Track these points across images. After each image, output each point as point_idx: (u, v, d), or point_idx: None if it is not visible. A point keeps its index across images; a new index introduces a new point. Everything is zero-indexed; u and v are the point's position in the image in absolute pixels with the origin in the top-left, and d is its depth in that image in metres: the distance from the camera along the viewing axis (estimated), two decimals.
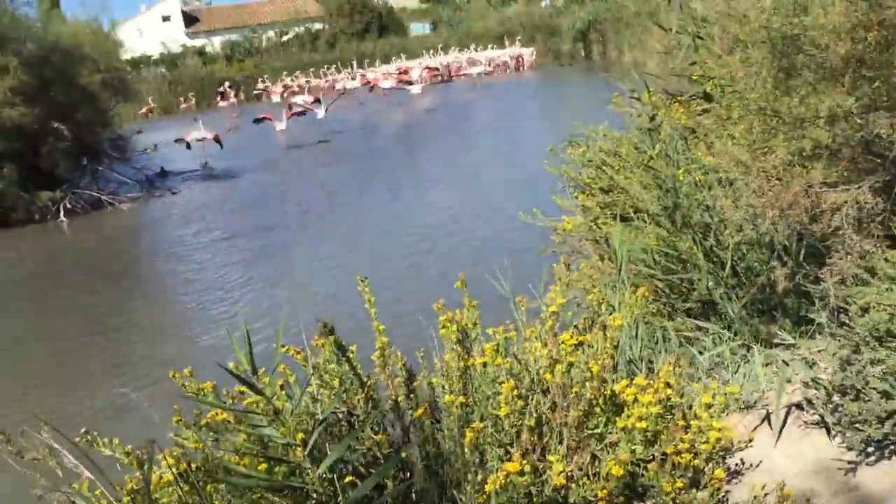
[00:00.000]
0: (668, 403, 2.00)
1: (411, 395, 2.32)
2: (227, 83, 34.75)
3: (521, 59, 32.88)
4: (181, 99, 31.81)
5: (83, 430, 2.31)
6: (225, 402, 1.90)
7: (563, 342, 1.93)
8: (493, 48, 34.42)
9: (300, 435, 1.68)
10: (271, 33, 50.41)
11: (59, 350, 7.12)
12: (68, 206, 13.73)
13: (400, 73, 30.59)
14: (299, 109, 20.59)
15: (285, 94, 30.34)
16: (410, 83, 27.23)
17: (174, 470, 1.65)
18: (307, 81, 32.32)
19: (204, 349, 6.36)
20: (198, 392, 1.89)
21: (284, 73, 36.46)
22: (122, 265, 10.49)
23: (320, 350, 2.23)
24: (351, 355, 2.08)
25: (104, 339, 7.21)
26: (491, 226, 8.77)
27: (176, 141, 17.46)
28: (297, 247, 9.48)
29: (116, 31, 18.19)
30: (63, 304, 8.57)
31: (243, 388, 2.12)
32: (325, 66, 37.02)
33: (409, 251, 8.30)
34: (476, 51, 33.96)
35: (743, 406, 2.65)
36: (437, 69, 32.13)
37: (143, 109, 31.28)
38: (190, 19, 60.91)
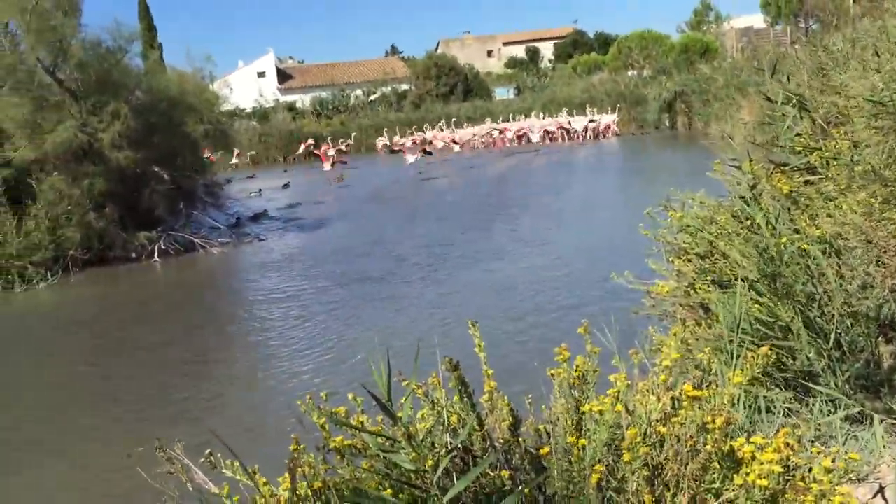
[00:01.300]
0: (788, 463, 2.00)
1: (518, 439, 2.36)
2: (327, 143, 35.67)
3: (608, 126, 33.25)
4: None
5: (207, 452, 2.43)
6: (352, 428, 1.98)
7: (683, 392, 1.96)
8: (574, 114, 34.78)
9: (430, 462, 1.74)
10: (359, 92, 51.93)
11: (151, 384, 7.36)
12: (162, 246, 14.31)
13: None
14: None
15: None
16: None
17: (311, 486, 1.73)
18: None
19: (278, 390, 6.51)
20: (331, 415, 1.98)
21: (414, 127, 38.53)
22: (208, 307, 10.83)
23: (435, 388, 2.31)
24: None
25: (188, 376, 7.45)
26: (579, 286, 8.81)
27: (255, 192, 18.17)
28: (391, 296, 9.61)
29: (216, 85, 19.15)
30: (150, 340, 8.89)
31: (361, 419, 2.22)
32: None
33: (499, 308, 8.36)
34: (571, 115, 34.58)
35: (855, 478, 2.61)
36: (554, 131, 33.53)
37: (234, 160, 32.77)
38: (283, 76, 63.41)
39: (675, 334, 2.44)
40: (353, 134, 39.66)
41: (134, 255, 14.15)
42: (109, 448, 5.86)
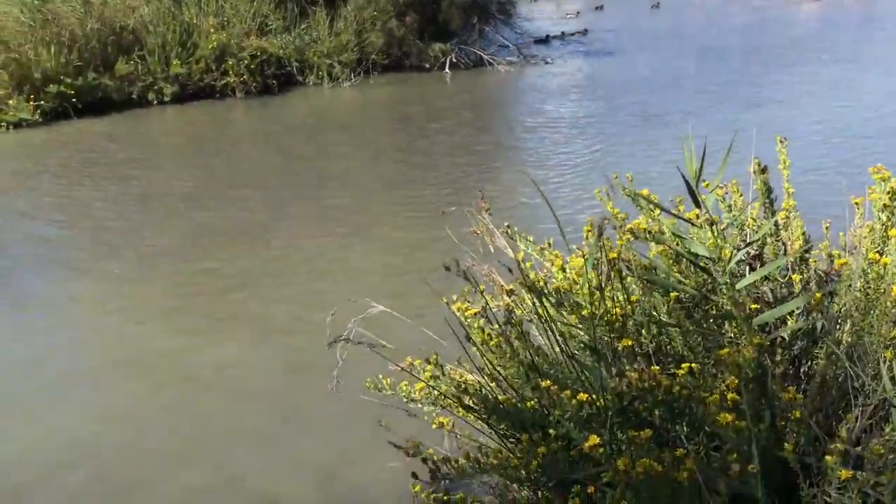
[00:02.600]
0: None
1: (809, 259, 2.35)
2: None
3: None
4: None
5: (506, 224, 2.67)
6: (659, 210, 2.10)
7: None
8: None
9: (726, 251, 1.82)
10: None
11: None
12: (454, 60, 14.80)
13: None
14: None
15: None
16: None
17: (607, 256, 1.89)
18: None
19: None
20: (633, 197, 2.11)
21: None
22: (486, 118, 11.32)
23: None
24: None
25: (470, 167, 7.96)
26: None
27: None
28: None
29: None
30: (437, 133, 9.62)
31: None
32: None
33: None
34: None
35: None
36: None
37: None
38: None
39: None
40: None
41: (427, 65, 14.78)
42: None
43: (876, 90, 11.36)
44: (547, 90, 12.79)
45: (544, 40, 17.80)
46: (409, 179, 8.04)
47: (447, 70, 14.64)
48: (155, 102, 11.58)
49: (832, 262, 2.38)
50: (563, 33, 18.69)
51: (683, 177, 1.82)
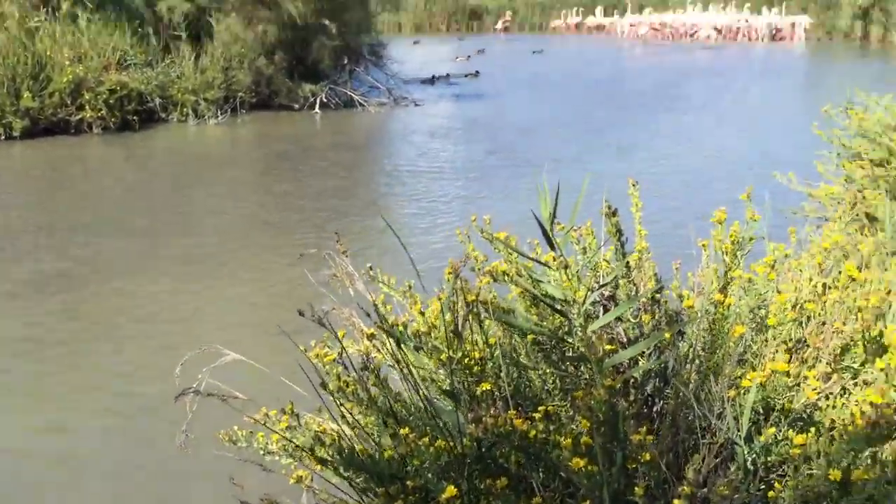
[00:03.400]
0: None
1: (660, 300, 2.42)
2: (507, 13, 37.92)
3: (794, 28, 31.06)
4: None
5: (368, 266, 2.63)
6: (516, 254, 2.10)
7: (844, 270, 1.95)
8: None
9: (580, 293, 1.84)
10: None
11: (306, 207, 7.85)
12: (324, 99, 14.77)
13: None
14: None
15: None
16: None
17: (465, 297, 1.87)
18: None
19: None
20: (492, 240, 2.11)
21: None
22: (355, 159, 11.26)
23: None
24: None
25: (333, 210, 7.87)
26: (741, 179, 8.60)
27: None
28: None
29: None
30: (305, 176, 9.45)
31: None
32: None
33: (662, 184, 8.27)
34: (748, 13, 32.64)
35: None
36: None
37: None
38: None
39: (835, 221, 2.38)
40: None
41: (296, 105, 14.68)
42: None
43: (726, 137, 12.08)
44: (419, 132, 12.90)
45: (430, 81, 18.38)
46: (270, 222, 7.84)
47: (317, 110, 14.57)
48: (3, 137, 10.92)
49: (682, 301, 2.46)
50: (447, 74, 19.62)
51: (538, 220, 1.83)
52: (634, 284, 2.21)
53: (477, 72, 20.66)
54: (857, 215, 4.46)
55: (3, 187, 9.24)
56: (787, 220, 4.69)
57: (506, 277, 2.07)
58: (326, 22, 14.80)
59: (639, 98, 16.21)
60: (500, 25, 36.96)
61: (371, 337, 2.21)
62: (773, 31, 31.18)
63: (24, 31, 11.68)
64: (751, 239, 2.27)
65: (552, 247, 1.84)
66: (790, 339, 2.03)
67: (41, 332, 5.13)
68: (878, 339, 2.07)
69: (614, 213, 2.08)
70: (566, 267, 1.81)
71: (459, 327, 1.87)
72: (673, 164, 9.97)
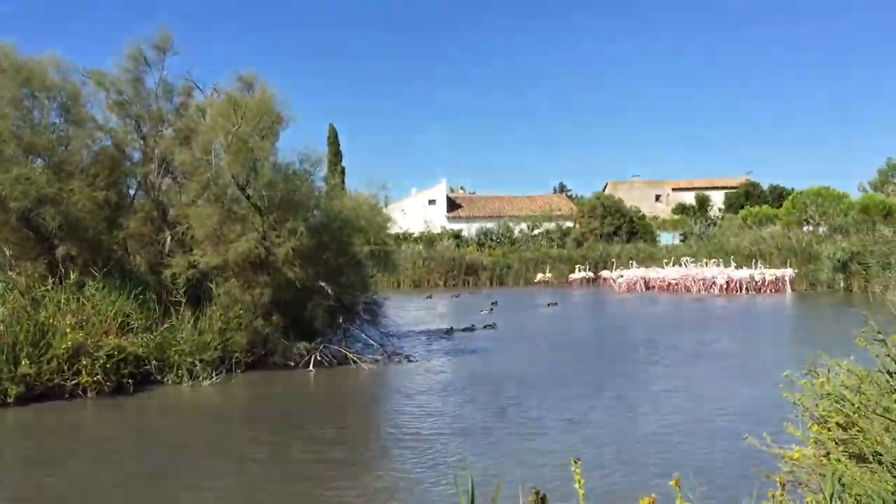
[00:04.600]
0: None
1: None
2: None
3: (778, 280, 32.27)
4: None
5: None
6: None
7: None
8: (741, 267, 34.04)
9: None
10: (524, 226, 53.11)
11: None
12: (318, 358, 15.05)
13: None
14: None
15: None
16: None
17: None
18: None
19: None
20: None
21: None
22: (352, 418, 11.20)
23: None
24: None
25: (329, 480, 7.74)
26: (711, 444, 8.54)
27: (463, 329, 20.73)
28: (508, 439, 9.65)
29: (389, 209, 20.36)
30: (297, 442, 9.33)
31: None
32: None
33: (623, 458, 8.21)
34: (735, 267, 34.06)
35: None
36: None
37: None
38: (452, 205, 66.03)
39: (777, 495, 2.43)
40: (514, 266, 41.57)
41: (292, 363, 14.93)
42: None
43: (710, 390, 12.15)
44: (416, 390, 12.86)
45: (448, 332, 20.20)
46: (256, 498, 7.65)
47: (311, 368, 14.79)
48: None
49: None
50: (473, 326, 21.33)
51: None
52: None
53: (494, 323, 21.91)
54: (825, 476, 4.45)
55: None
56: (766, 483, 4.69)
57: None
58: (322, 284, 15.43)
59: (633, 352, 16.49)
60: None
61: None
62: (759, 284, 32.32)
63: (29, 300, 12.17)
64: None
65: None
66: None
67: None
68: None
69: (543, 500, 2.14)
70: None
71: None
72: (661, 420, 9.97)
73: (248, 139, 14.62)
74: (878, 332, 4.91)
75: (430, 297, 33.95)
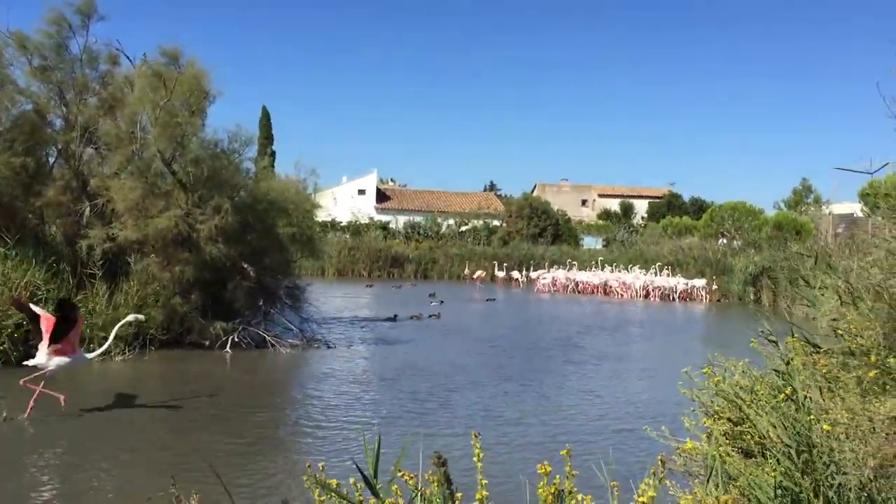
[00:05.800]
0: None
1: None
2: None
3: (695, 292, 33.35)
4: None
5: None
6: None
7: None
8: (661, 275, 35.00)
9: None
10: (452, 221, 53.38)
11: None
12: (236, 339, 14.92)
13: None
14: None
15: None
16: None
17: None
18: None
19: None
20: (323, 485, 2.25)
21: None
22: (264, 401, 11.18)
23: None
24: (459, 495, 2.38)
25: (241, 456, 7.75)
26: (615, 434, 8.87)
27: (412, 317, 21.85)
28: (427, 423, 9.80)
29: (317, 196, 20.27)
30: (209, 421, 9.28)
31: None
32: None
33: (530, 441, 8.46)
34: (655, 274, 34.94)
35: None
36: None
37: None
38: (382, 196, 65.88)
39: (653, 473, 2.62)
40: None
41: (208, 342, 14.75)
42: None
43: (616, 388, 12.55)
44: (332, 375, 12.93)
45: (392, 318, 21.37)
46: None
47: (227, 349, 14.65)
48: None
49: None
50: (421, 314, 22.48)
51: (360, 471, 2.01)
52: None
53: (439, 314, 22.83)
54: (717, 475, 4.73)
55: None
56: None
57: None
58: (245, 265, 15.30)
59: (546, 350, 16.85)
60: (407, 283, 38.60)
61: None
62: (671, 292, 33.35)
63: None
64: (571, 492, 2.48)
65: (376, 495, 2.01)
66: None
67: None
68: None
69: (443, 464, 2.27)
70: None
71: None
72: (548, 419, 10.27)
73: (176, 113, 14.40)
74: (771, 335, 5.22)
75: (370, 286, 34.19)
